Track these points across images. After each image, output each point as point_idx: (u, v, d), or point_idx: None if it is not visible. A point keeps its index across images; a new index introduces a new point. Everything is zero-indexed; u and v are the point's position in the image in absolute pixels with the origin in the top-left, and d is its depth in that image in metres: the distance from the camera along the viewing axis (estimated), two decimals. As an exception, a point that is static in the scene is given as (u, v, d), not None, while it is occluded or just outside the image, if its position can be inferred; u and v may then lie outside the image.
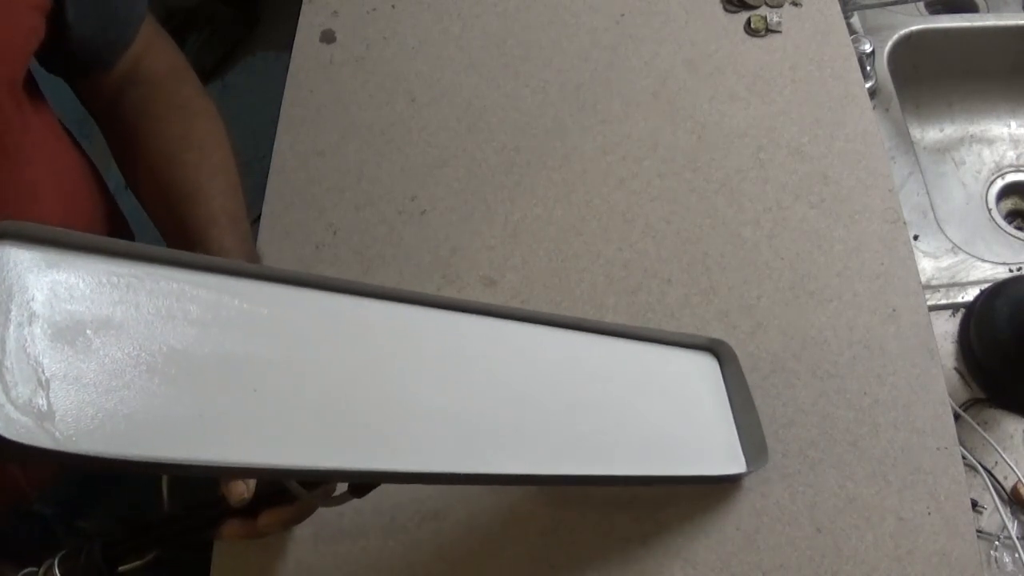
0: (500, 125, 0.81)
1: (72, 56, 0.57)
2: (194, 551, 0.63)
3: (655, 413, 0.58)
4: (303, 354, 0.44)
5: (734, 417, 0.62)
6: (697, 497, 0.62)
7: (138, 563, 0.52)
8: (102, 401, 0.35)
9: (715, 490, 0.62)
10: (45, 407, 0.34)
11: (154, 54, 0.63)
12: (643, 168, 0.78)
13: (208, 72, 2.00)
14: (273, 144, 0.82)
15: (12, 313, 0.35)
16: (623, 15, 0.88)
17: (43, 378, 0.34)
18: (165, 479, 0.57)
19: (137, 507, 0.69)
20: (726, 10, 0.87)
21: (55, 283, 0.37)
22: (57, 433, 0.33)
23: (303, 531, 0.61)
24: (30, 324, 0.35)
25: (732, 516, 0.61)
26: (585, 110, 0.82)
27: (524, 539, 0.61)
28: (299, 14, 0.91)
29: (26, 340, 0.34)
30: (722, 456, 0.60)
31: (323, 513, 0.61)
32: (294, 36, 0.89)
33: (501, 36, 0.87)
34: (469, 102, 0.83)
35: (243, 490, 0.50)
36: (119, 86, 0.62)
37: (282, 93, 0.85)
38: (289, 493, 0.52)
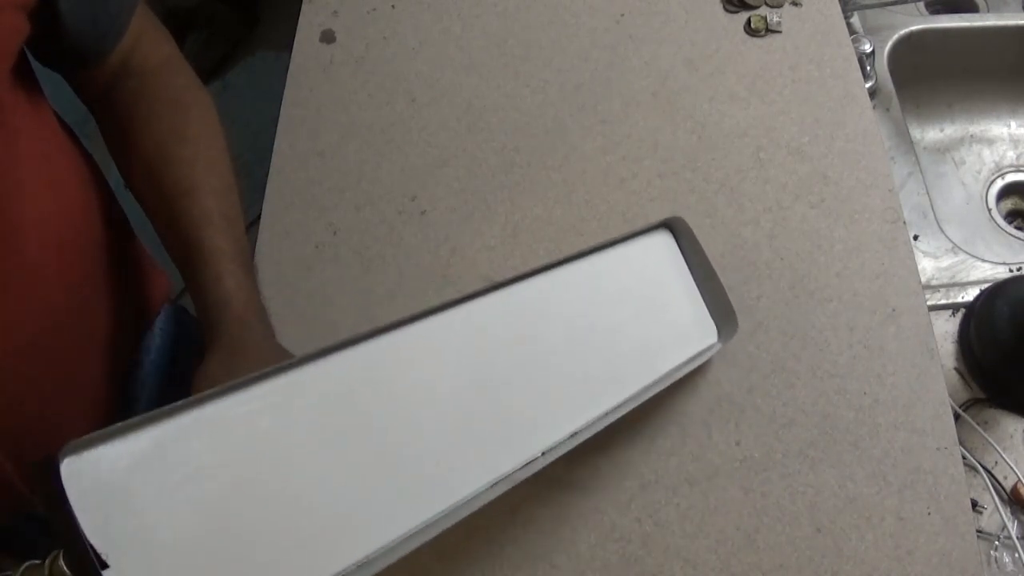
0: (500, 125, 0.81)
1: (65, 48, 0.57)
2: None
3: (629, 322, 0.59)
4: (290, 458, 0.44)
5: (698, 289, 0.63)
6: (697, 494, 0.62)
7: None
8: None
9: (715, 488, 0.62)
10: None
11: (147, 46, 0.63)
12: (643, 168, 0.78)
13: (208, 72, 2.00)
14: (273, 144, 0.82)
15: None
16: (623, 15, 0.88)
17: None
18: None
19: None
20: (726, 10, 0.87)
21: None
22: None
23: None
24: None
25: (732, 516, 0.61)
26: (585, 110, 0.82)
27: (524, 539, 0.61)
28: (299, 14, 0.91)
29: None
30: (697, 332, 0.61)
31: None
32: (294, 36, 0.89)
33: (501, 36, 0.87)
34: (469, 102, 0.83)
35: None
36: (112, 79, 0.61)
37: (282, 93, 0.85)
38: None
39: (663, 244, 0.64)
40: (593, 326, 0.57)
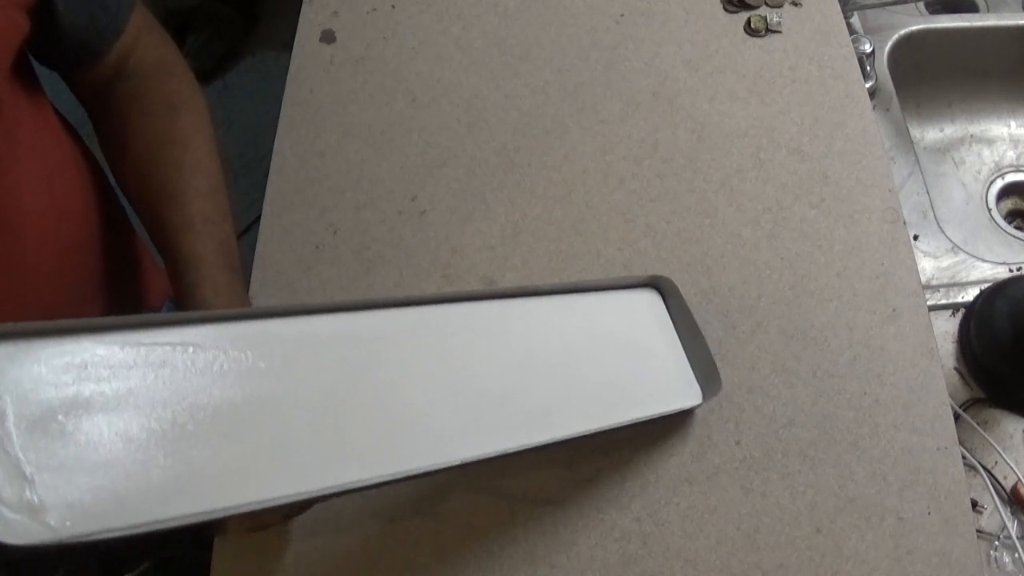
0: (500, 125, 0.81)
1: (62, 46, 0.57)
2: (191, 553, 0.63)
3: (608, 362, 0.59)
4: (278, 389, 0.44)
5: (684, 348, 0.63)
6: (697, 494, 0.62)
7: (133, 573, 0.52)
8: (89, 480, 0.35)
9: (715, 488, 0.62)
10: (36, 501, 0.34)
11: (144, 47, 0.62)
12: (643, 168, 0.78)
13: (208, 72, 2.00)
14: (273, 144, 0.82)
15: None
16: (623, 15, 0.88)
17: (28, 472, 0.34)
18: None
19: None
20: (726, 10, 0.87)
21: (17, 377, 0.37)
22: (53, 523, 0.33)
23: (303, 531, 0.61)
24: (2, 423, 0.35)
25: (732, 516, 0.61)
26: (585, 110, 0.82)
27: (524, 539, 0.61)
28: (299, 14, 0.91)
29: (2, 440, 0.34)
30: (678, 389, 0.61)
31: (324, 513, 0.61)
32: (294, 36, 0.89)
33: (501, 36, 0.87)
34: (469, 102, 0.83)
35: None
36: (109, 80, 0.61)
37: (282, 93, 0.85)
38: None
39: (650, 302, 0.64)
40: (572, 360, 0.57)
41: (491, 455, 0.50)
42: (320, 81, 0.86)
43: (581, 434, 0.54)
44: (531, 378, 0.54)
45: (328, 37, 0.89)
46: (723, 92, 0.81)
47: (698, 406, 0.61)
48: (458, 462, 0.47)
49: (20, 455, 0.34)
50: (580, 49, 0.86)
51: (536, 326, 0.57)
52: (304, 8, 0.91)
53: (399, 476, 0.45)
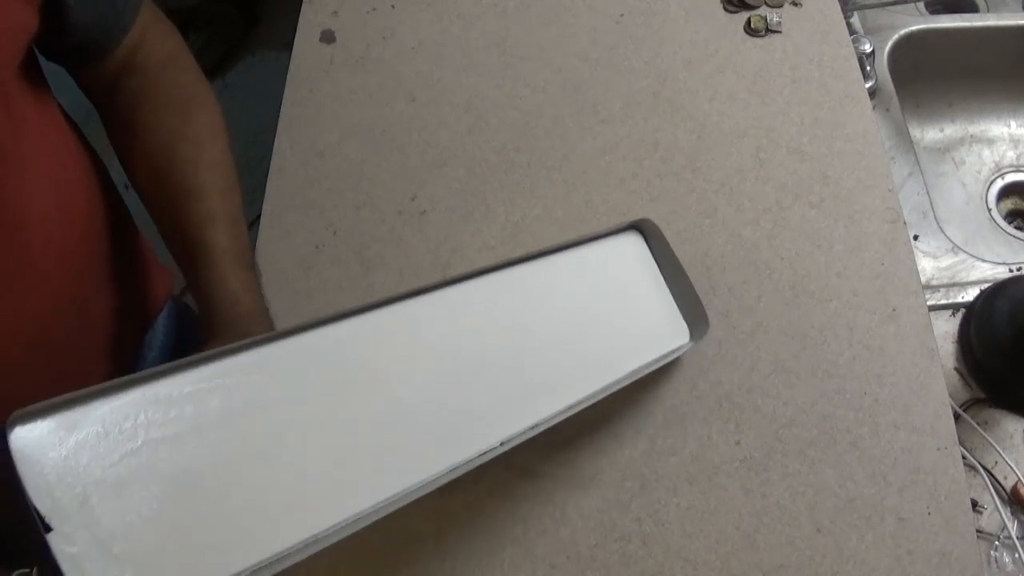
0: (500, 125, 0.81)
1: (71, 43, 0.57)
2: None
3: (600, 316, 0.59)
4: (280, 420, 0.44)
5: (669, 289, 0.64)
6: (697, 494, 0.62)
7: None
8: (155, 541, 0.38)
9: (715, 488, 0.62)
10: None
11: (152, 42, 0.63)
12: (643, 168, 0.78)
13: (208, 72, 1.98)
14: (273, 144, 0.82)
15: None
16: (623, 15, 0.88)
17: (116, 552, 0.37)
18: None
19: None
20: (726, 10, 0.87)
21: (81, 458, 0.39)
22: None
23: (303, 531, 0.61)
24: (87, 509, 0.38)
25: (732, 516, 0.61)
26: (585, 110, 0.82)
27: (524, 539, 0.61)
28: (299, 14, 0.91)
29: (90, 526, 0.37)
30: (668, 332, 0.62)
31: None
32: (294, 36, 0.89)
33: (501, 36, 0.87)
34: (469, 102, 0.83)
35: None
36: (117, 75, 0.61)
37: (282, 93, 0.85)
38: None
39: (633, 245, 0.64)
40: (561, 321, 0.57)
41: (510, 437, 0.50)
42: (320, 81, 0.86)
43: (588, 396, 0.54)
44: (529, 350, 0.55)
45: (328, 37, 0.89)
46: (723, 92, 0.81)
47: (687, 345, 0.62)
48: (484, 450, 0.47)
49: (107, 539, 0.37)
50: (580, 49, 0.86)
51: (524, 296, 0.57)
52: (304, 8, 0.91)
53: (434, 476, 0.45)
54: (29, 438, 0.37)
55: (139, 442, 0.39)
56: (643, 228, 0.65)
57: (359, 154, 0.81)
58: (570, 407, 0.54)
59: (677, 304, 0.63)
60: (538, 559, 0.60)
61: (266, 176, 0.80)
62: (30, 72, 0.55)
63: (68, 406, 0.38)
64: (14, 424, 0.37)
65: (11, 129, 0.51)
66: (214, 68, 2.02)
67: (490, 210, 0.76)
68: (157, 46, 0.63)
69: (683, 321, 0.63)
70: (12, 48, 0.50)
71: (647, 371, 0.60)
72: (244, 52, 2.07)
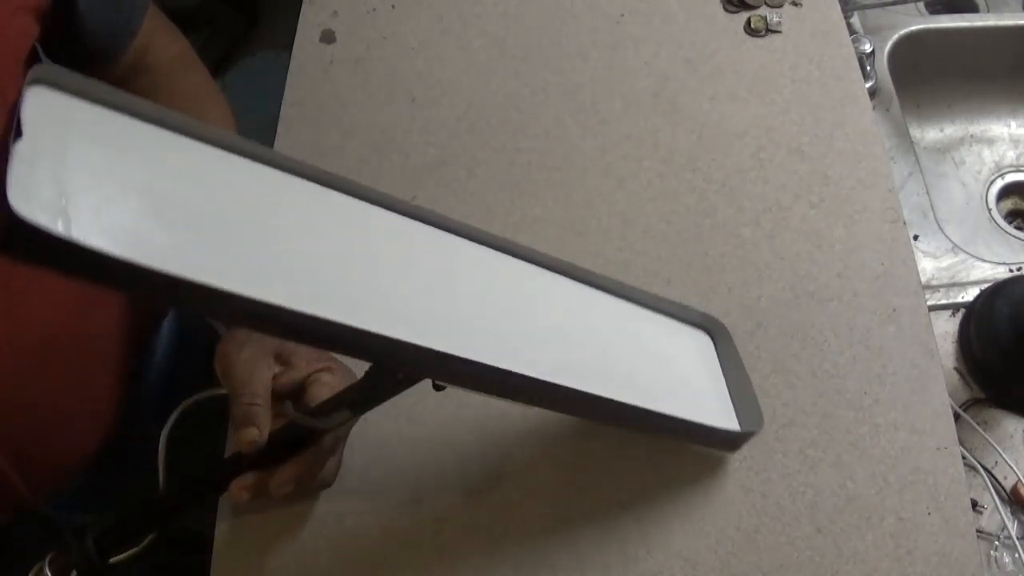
0: (500, 125, 0.81)
1: (80, 47, 0.57)
2: (190, 548, 0.63)
3: (655, 371, 0.60)
4: (310, 226, 0.49)
5: (729, 389, 0.63)
6: (698, 494, 0.62)
7: (134, 550, 0.52)
8: (115, 219, 0.37)
9: (715, 488, 0.62)
10: (64, 204, 0.35)
11: (160, 42, 0.63)
12: (643, 168, 0.78)
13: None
14: (273, 144, 0.82)
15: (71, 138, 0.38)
16: (623, 15, 0.88)
17: (68, 190, 0.36)
18: (162, 457, 0.57)
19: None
20: (726, 10, 0.87)
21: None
22: (73, 224, 0.34)
23: (304, 532, 0.61)
24: (81, 149, 0.38)
25: (732, 516, 0.61)
26: (585, 110, 0.82)
27: (524, 539, 0.61)
28: (299, 14, 0.91)
29: (68, 161, 0.37)
30: (719, 416, 0.61)
31: (324, 513, 0.61)
32: (294, 36, 0.89)
33: (501, 36, 0.87)
34: (469, 102, 0.83)
35: (255, 435, 0.50)
36: (125, 75, 0.61)
37: (282, 93, 0.85)
38: (299, 446, 0.52)
39: (701, 340, 0.65)
40: (622, 353, 0.59)
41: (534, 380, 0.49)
42: (320, 81, 0.86)
43: (634, 405, 0.53)
44: (599, 352, 0.57)
45: (328, 37, 0.89)
46: (723, 92, 0.81)
47: (734, 433, 0.60)
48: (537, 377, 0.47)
49: (70, 175, 0.36)
50: (580, 49, 0.86)
51: (590, 313, 0.60)
52: (304, 8, 0.91)
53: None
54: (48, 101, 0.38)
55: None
56: (711, 329, 0.66)
57: (359, 154, 0.81)
58: (620, 411, 0.53)
59: (734, 402, 0.62)
60: (538, 559, 0.60)
61: (266, 176, 0.80)
62: None
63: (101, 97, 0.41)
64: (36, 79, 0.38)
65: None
66: (214, 68, 2.02)
67: (490, 210, 0.76)
68: (165, 47, 0.63)
69: (735, 415, 0.61)
70: (15, 55, 0.51)
71: (686, 436, 0.59)
72: (244, 52, 2.07)
